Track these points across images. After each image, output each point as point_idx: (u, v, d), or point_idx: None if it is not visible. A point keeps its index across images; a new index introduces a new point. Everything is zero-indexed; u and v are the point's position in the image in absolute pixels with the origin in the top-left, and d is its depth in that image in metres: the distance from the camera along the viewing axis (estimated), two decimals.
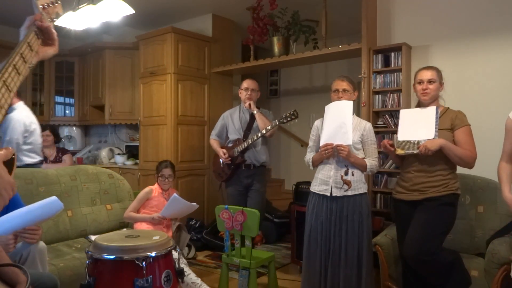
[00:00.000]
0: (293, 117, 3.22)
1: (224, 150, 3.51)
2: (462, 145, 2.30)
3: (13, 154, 0.99)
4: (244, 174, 3.49)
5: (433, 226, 2.27)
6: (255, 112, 3.43)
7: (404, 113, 2.50)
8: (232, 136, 3.57)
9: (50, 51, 1.27)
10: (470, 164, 2.31)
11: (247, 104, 3.48)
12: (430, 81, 2.39)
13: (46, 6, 1.38)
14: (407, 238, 2.32)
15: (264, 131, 3.31)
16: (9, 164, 0.96)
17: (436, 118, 2.32)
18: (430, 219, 2.28)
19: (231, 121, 3.61)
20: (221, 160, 3.56)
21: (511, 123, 2.03)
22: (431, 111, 2.36)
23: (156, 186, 3.06)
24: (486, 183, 2.75)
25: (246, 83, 3.54)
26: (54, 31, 1.27)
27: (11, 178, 0.90)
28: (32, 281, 1.58)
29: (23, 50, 1.12)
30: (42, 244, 2.08)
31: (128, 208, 2.99)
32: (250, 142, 3.38)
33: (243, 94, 3.52)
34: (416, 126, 2.38)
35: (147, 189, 3.03)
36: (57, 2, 1.46)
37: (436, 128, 2.30)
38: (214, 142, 3.68)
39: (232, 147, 3.51)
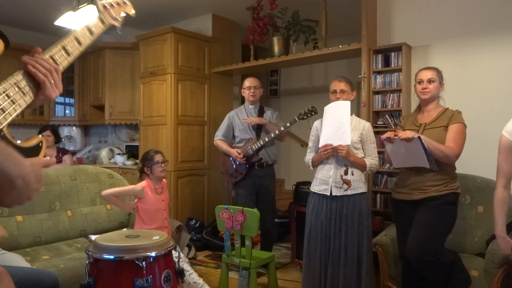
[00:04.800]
0: (312, 113, 3.20)
1: (238, 150, 3.43)
2: (448, 140, 2.31)
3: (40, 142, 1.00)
4: (257, 174, 3.44)
5: (436, 226, 2.27)
6: (265, 123, 3.43)
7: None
8: (241, 134, 3.52)
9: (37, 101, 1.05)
10: (450, 158, 2.30)
11: (247, 121, 3.47)
12: (429, 81, 2.41)
13: (108, 6, 1.28)
14: (410, 238, 2.31)
15: (282, 128, 3.28)
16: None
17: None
18: (433, 218, 2.28)
19: (238, 119, 3.57)
20: (232, 159, 3.50)
21: (506, 141, 1.89)
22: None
23: (145, 183, 2.78)
24: (486, 183, 2.75)
25: (248, 82, 3.53)
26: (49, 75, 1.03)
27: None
28: (32, 278, 1.58)
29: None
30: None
31: (111, 190, 2.73)
32: (266, 140, 3.34)
33: (246, 93, 3.53)
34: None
35: (138, 187, 2.75)
36: (124, 3, 1.36)
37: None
38: (222, 143, 3.58)
39: (244, 146, 3.45)
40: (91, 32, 1.19)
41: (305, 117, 3.21)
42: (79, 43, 1.14)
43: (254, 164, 3.43)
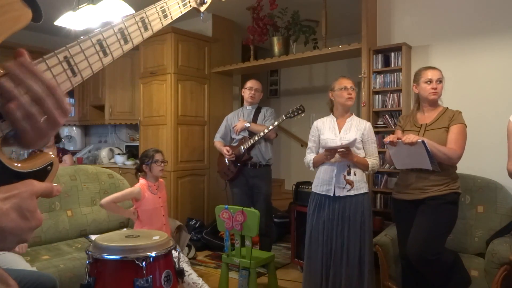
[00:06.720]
0: (299, 112, 3.23)
1: (228, 148, 3.53)
2: (450, 142, 2.31)
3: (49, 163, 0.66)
4: (249, 174, 3.49)
5: (437, 225, 2.27)
6: (247, 125, 3.48)
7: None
8: (237, 135, 3.59)
9: None
10: (452, 160, 2.31)
11: (234, 131, 3.57)
12: (438, 81, 2.41)
13: None
14: (411, 238, 2.31)
15: (271, 127, 3.32)
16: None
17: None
18: (434, 218, 2.28)
19: (236, 121, 3.64)
20: (226, 159, 3.58)
21: None
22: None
23: (142, 183, 2.72)
24: (486, 183, 2.75)
25: (250, 83, 3.59)
26: None
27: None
28: (31, 281, 1.58)
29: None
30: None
31: (108, 197, 2.63)
32: (257, 138, 3.38)
33: (246, 93, 3.59)
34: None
35: (136, 189, 2.68)
36: None
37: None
38: (218, 143, 3.71)
39: (237, 145, 3.52)
40: (165, 15, 0.87)
41: (292, 115, 3.26)
42: (146, 28, 0.82)
43: (247, 163, 3.47)
